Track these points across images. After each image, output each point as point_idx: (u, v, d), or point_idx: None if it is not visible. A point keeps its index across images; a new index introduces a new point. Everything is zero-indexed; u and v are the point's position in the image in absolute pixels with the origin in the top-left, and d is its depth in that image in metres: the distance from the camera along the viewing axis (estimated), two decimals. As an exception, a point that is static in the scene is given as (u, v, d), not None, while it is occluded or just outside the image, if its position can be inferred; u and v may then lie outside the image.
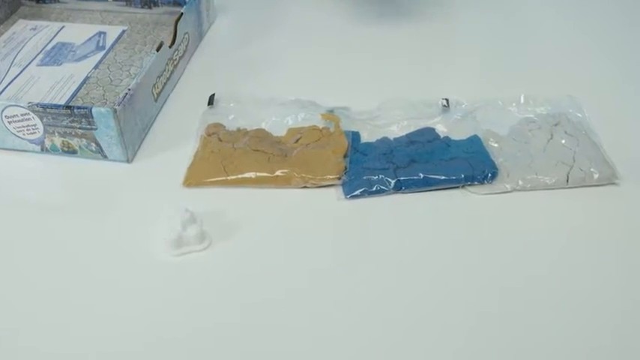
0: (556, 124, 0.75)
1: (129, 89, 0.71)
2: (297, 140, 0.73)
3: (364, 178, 0.68)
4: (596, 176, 0.68)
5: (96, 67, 0.86)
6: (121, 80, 0.83)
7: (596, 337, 0.55)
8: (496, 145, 0.73)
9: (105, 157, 0.72)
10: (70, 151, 0.73)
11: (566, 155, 0.70)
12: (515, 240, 0.63)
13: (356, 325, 0.56)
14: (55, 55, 0.88)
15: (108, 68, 0.85)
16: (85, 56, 0.88)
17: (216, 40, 0.96)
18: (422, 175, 0.68)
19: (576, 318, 0.56)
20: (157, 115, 0.80)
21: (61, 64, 0.86)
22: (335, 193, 0.68)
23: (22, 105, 0.69)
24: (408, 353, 0.54)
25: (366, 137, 0.75)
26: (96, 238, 0.64)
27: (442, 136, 0.74)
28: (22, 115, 0.70)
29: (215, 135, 0.74)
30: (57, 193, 0.70)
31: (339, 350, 0.54)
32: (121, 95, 0.70)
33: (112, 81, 0.83)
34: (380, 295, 0.58)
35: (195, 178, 0.70)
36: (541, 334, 0.55)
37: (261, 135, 0.74)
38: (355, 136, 0.74)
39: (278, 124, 0.77)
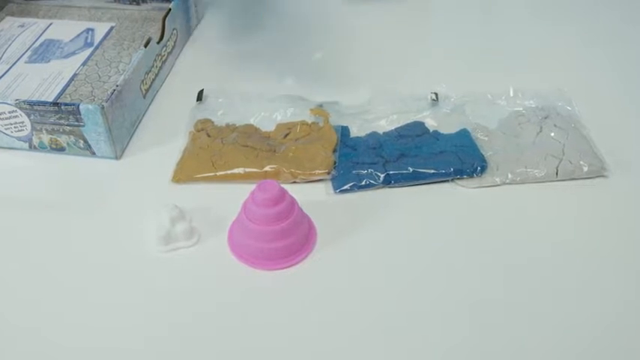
0: (545, 118, 0.75)
1: (116, 85, 0.71)
2: (286, 135, 0.73)
3: (353, 172, 0.68)
4: (585, 169, 0.68)
5: (84, 63, 0.85)
6: (110, 77, 0.82)
7: (587, 327, 0.55)
8: (485, 138, 0.73)
9: (93, 153, 0.72)
10: (59, 148, 0.72)
11: (556, 148, 0.70)
12: (505, 233, 0.63)
13: (345, 319, 0.56)
14: (43, 52, 0.88)
15: (96, 65, 0.85)
16: (74, 53, 0.87)
17: (205, 36, 0.95)
18: (411, 169, 0.68)
19: (568, 309, 0.56)
20: (145, 111, 0.79)
21: (49, 61, 0.86)
22: (324, 188, 0.68)
23: (9, 102, 0.69)
24: (395, 347, 0.54)
25: (355, 132, 0.74)
26: (85, 236, 0.64)
27: (431, 130, 0.74)
28: (9, 112, 0.69)
29: (204, 131, 0.74)
30: (45, 190, 0.70)
31: (324, 340, 0.54)
32: (109, 92, 0.70)
33: (100, 77, 0.82)
34: (370, 288, 0.58)
35: (184, 174, 0.69)
36: (531, 326, 0.55)
37: (249, 130, 0.74)
38: (344, 131, 0.74)
39: (267, 119, 0.77)
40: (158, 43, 0.81)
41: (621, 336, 0.54)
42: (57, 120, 0.69)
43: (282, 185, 0.60)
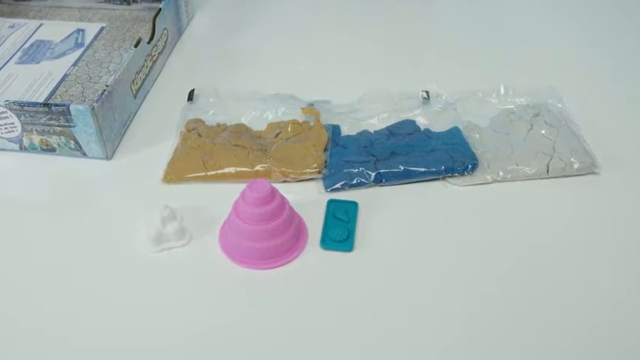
0: (536, 115, 0.75)
1: (107, 86, 0.70)
2: (277, 134, 0.73)
3: (344, 171, 0.68)
4: (576, 166, 0.68)
5: (75, 64, 0.85)
6: (100, 77, 0.82)
7: (579, 322, 0.55)
8: (476, 136, 0.73)
9: (84, 154, 0.72)
10: (49, 149, 0.72)
11: (547, 145, 0.71)
12: (496, 230, 0.63)
13: (337, 318, 0.56)
14: (34, 52, 0.87)
15: (87, 65, 0.85)
16: (64, 53, 0.87)
17: (196, 36, 0.95)
18: (402, 168, 0.68)
19: (561, 305, 0.56)
20: (136, 111, 0.79)
21: (39, 61, 0.86)
22: (315, 187, 0.68)
23: (-1, 103, 0.69)
24: (387, 345, 0.54)
25: (346, 130, 0.75)
26: (76, 236, 0.64)
27: (422, 128, 0.74)
28: (-1, 113, 0.69)
29: (195, 130, 0.74)
30: (36, 191, 0.70)
31: (316, 339, 0.54)
32: (100, 92, 0.70)
33: (91, 78, 0.82)
34: (362, 287, 0.58)
35: (175, 174, 0.69)
36: (524, 322, 0.55)
37: (240, 130, 0.74)
38: (335, 130, 0.74)
39: (258, 118, 0.77)
40: (149, 43, 0.81)
41: (615, 331, 0.54)
42: (47, 121, 0.69)
43: (273, 184, 0.60)
